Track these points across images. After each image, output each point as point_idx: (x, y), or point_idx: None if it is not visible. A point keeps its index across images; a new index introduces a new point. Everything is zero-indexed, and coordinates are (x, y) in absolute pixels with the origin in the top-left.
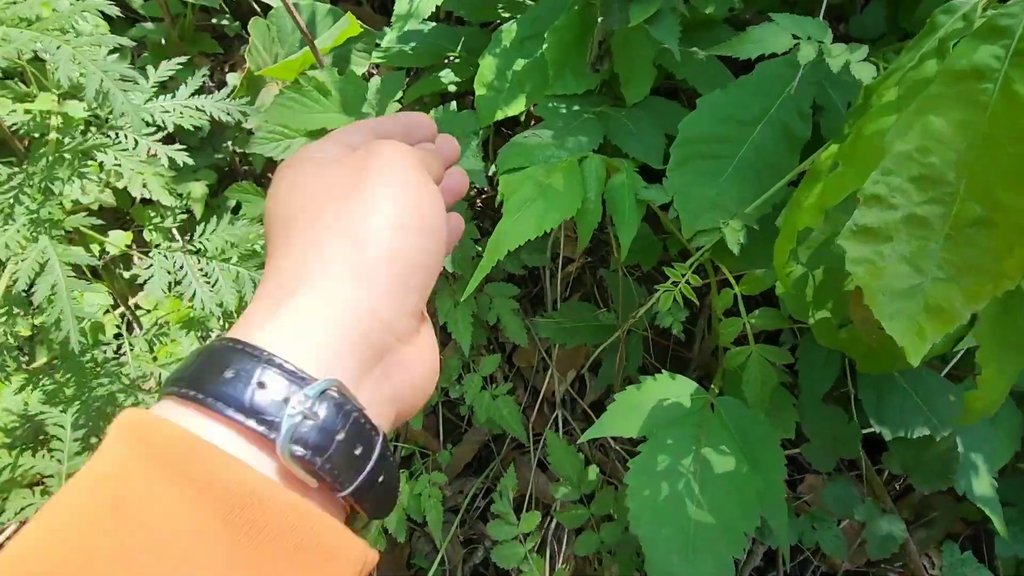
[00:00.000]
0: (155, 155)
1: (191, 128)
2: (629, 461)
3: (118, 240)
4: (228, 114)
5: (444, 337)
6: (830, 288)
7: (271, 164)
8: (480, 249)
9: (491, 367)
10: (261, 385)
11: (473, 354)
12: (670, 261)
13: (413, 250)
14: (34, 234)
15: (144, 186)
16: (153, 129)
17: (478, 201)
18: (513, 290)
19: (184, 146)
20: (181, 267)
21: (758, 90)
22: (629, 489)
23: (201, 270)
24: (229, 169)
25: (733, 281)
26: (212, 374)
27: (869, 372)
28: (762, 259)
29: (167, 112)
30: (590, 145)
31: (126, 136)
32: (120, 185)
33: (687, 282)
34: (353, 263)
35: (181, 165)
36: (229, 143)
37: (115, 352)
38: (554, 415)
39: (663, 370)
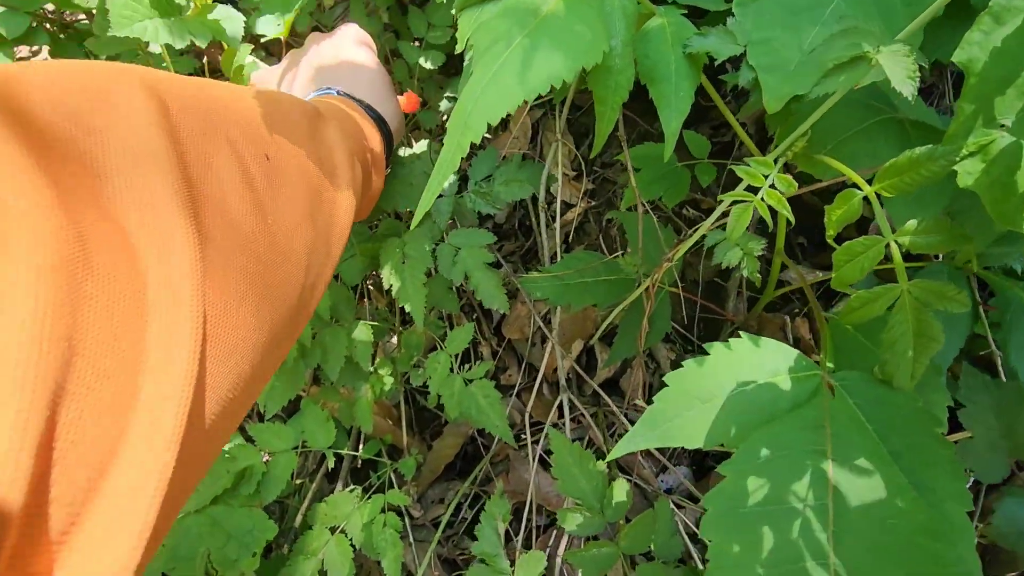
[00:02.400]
0: None
1: None
2: (704, 498)
3: None
4: None
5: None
6: None
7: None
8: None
9: (461, 343)
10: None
11: (443, 327)
12: (697, 201)
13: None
14: None
15: None
16: None
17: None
18: (487, 237)
19: None
20: None
21: None
22: (711, 548)
23: None
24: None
25: (859, 179)
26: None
27: None
28: (867, 159)
29: None
30: None
31: None
32: None
33: (774, 187)
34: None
35: None
36: None
37: None
38: (557, 401)
39: (693, 338)
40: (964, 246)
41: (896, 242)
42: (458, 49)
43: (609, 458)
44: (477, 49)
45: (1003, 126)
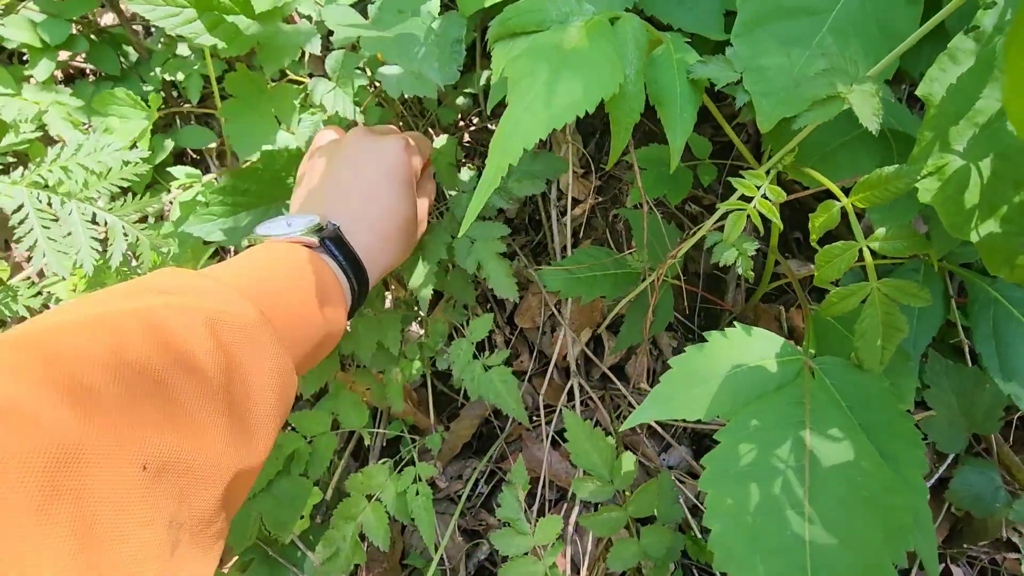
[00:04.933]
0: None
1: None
2: (703, 458)
3: None
4: None
5: (436, 297)
6: (1007, 185)
7: (208, 95)
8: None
9: (482, 331)
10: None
11: (464, 315)
12: (698, 198)
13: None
14: None
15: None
16: None
17: (465, 135)
18: (501, 230)
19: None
20: (21, 206)
21: None
22: (708, 502)
23: (49, 207)
24: (164, 103)
25: (838, 191)
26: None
27: (1002, 277)
28: (850, 168)
29: None
30: (621, 5)
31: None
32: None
33: (765, 196)
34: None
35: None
36: (158, 70)
37: None
38: (568, 385)
39: (694, 327)
40: (925, 250)
41: (868, 247)
42: (494, 80)
43: (624, 427)
44: (511, 81)
45: (956, 152)
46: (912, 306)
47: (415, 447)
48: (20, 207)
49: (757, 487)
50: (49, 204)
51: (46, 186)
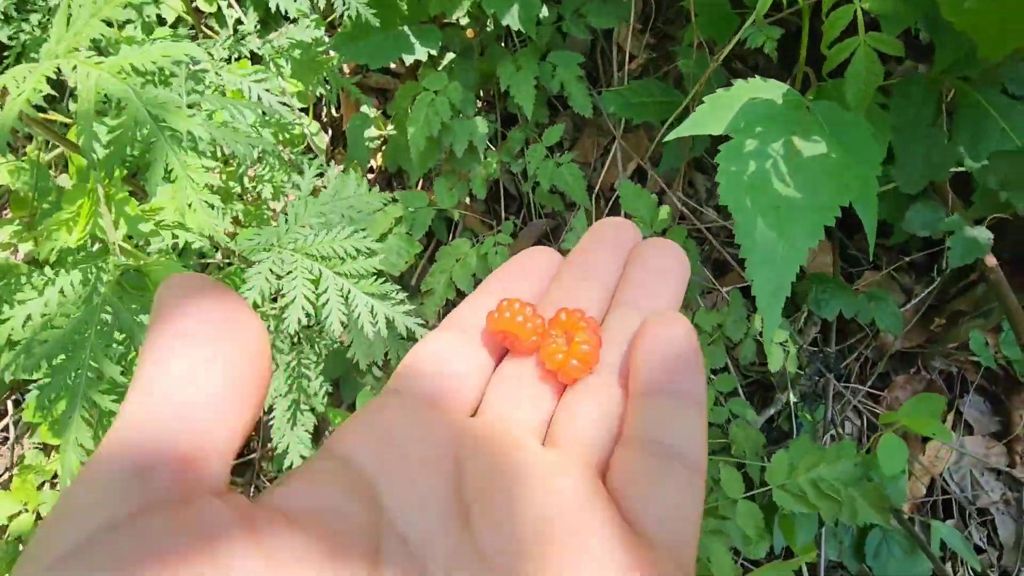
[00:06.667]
0: None
1: None
2: (720, 145)
3: None
4: None
5: (506, 114)
6: None
7: None
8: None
9: (555, 137)
10: None
11: (536, 131)
12: (745, 56)
13: None
14: None
15: None
16: None
17: None
18: (578, 58)
19: None
20: None
21: None
22: (719, 169)
23: None
24: None
25: None
26: None
27: (991, 56)
28: None
29: None
30: None
31: None
32: None
33: None
34: None
35: None
36: None
37: None
38: (613, 198)
39: None
40: (907, 16)
41: (860, 7)
42: None
43: (668, 137)
44: None
45: None
46: (909, 103)
47: (493, 232)
48: None
49: (754, 163)
50: None
51: None
